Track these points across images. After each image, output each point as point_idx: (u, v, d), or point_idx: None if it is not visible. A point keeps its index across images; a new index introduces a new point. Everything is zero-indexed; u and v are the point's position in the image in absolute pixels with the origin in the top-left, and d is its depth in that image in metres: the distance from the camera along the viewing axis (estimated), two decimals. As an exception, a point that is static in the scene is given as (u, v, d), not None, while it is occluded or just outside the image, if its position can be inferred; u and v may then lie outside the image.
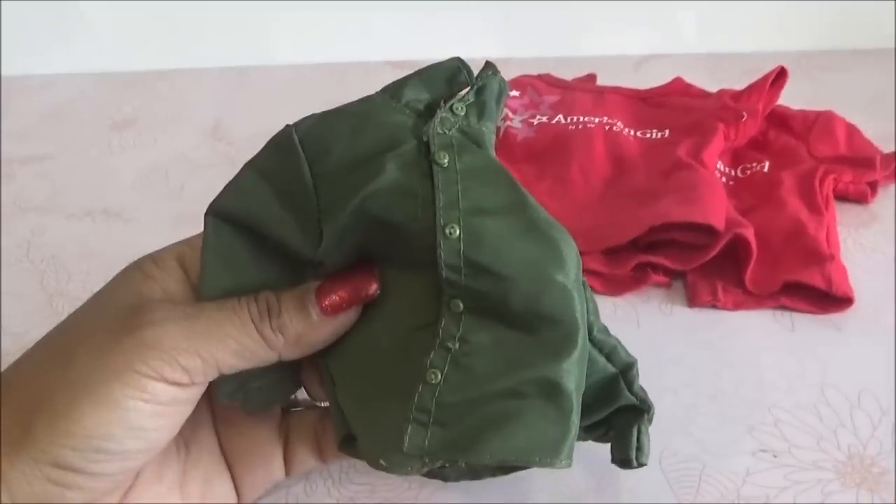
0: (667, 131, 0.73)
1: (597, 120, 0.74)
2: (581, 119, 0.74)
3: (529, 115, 0.76)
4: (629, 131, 0.73)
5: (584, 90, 0.80)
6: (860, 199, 0.67)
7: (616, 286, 0.59)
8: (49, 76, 0.98)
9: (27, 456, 0.33)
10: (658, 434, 0.43)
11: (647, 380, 0.40)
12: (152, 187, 0.75)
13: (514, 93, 0.80)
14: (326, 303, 0.36)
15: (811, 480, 0.45)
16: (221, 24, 0.97)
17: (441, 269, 0.34)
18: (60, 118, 0.89)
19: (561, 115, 0.75)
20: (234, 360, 0.36)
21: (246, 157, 0.41)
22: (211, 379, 0.36)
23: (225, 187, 0.38)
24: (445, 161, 0.35)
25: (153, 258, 0.38)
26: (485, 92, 0.39)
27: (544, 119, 0.75)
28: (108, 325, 0.35)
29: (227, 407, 0.40)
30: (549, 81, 0.83)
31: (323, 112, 0.39)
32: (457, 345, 0.34)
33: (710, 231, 0.58)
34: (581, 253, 0.60)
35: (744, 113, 0.70)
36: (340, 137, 0.37)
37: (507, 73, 0.85)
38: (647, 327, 0.56)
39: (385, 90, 0.39)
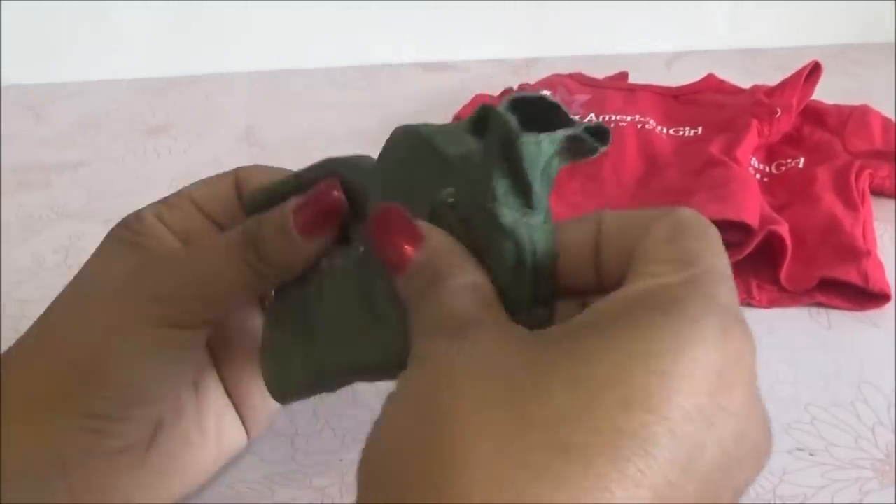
0: (700, 128, 0.72)
1: (629, 118, 0.73)
2: (613, 117, 0.74)
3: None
4: (661, 129, 0.73)
5: (615, 88, 0.80)
6: (897, 193, 0.67)
7: (649, 285, 0.59)
8: (83, 83, 0.99)
9: (65, 412, 0.37)
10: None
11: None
12: (187, 192, 0.76)
13: (545, 92, 0.79)
14: (301, 220, 0.38)
15: (849, 479, 0.44)
16: (252, 28, 0.98)
17: None
18: (95, 125, 0.90)
19: (592, 114, 0.75)
20: (231, 296, 0.39)
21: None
22: (216, 316, 0.39)
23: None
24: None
25: (137, 217, 0.41)
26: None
27: (575, 118, 0.75)
28: (112, 285, 0.39)
29: (227, 351, 0.45)
30: (580, 80, 0.82)
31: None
32: None
33: (744, 228, 0.57)
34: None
35: (778, 109, 0.69)
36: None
37: (538, 73, 0.85)
38: (682, 326, 0.56)
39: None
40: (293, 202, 0.39)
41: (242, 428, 0.45)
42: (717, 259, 0.30)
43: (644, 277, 0.28)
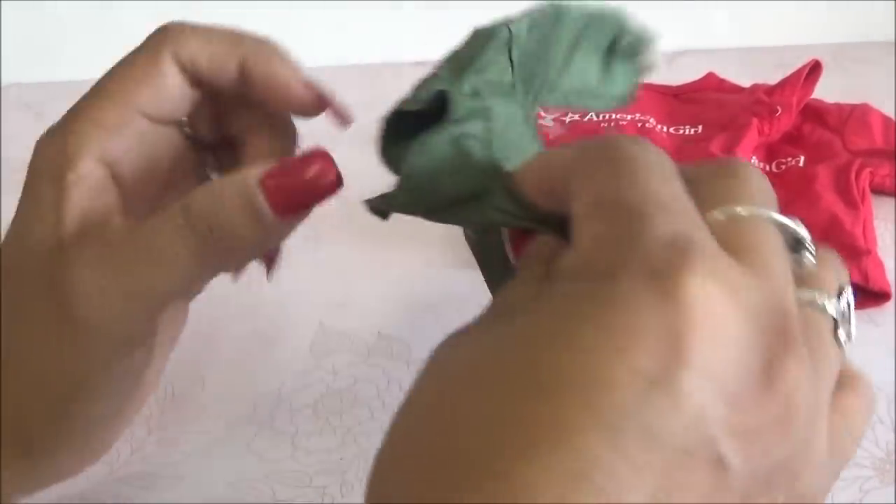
0: (700, 127, 0.72)
1: (629, 117, 0.73)
2: (613, 116, 0.74)
3: (561, 112, 0.76)
4: (662, 128, 0.72)
5: (615, 87, 0.80)
6: (897, 192, 0.67)
7: (650, 284, 0.59)
8: (83, 83, 0.98)
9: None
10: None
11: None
12: (187, 191, 0.76)
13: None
14: (280, 200, 0.31)
15: (849, 478, 0.44)
16: (251, 28, 0.98)
17: None
18: (96, 124, 0.89)
19: (593, 113, 0.75)
20: (179, 285, 0.31)
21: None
22: (161, 308, 0.32)
23: None
24: None
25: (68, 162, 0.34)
26: None
27: (576, 117, 0.75)
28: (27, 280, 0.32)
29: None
30: (580, 79, 0.82)
31: None
32: None
33: (744, 227, 0.57)
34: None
35: (778, 107, 0.69)
36: None
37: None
38: (682, 325, 0.56)
39: None
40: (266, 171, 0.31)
41: None
42: (634, 188, 0.22)
43: (569, 248, 0.22)
